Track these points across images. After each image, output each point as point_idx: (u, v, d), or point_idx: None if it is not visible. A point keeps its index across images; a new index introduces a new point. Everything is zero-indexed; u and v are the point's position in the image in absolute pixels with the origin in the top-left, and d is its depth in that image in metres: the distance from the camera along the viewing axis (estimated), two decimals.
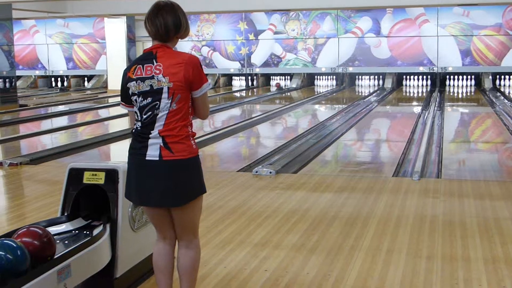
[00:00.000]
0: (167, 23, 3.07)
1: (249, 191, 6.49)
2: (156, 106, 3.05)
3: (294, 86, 22.89)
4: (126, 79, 3.16)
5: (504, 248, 4.53)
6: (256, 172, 7.28)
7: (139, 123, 3.11)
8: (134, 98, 3.12)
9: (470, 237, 4.80)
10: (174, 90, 3.04)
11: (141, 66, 3.10)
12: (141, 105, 3.09)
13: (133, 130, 3.15)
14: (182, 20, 3.13)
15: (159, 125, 3.05)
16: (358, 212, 5.60)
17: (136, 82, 3.09)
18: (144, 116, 3.08)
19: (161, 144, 3.05)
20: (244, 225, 5.22)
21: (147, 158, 3.07)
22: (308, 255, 4.44)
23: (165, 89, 3.03)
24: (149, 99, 3.06)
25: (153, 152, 3.06)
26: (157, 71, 3.05)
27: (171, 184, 3.07)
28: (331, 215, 5.50)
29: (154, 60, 3.08)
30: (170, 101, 3.03)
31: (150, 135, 3.06)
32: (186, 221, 3.20)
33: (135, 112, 3.14)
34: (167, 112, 3.04)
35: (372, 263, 4.26)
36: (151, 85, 3.05)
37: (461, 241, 4.69)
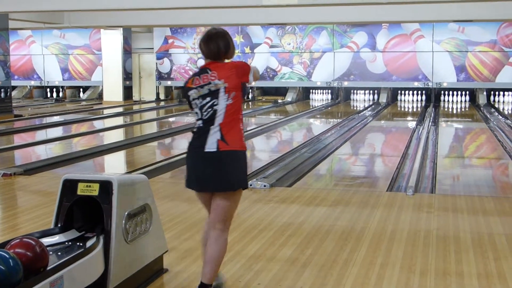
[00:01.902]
0: (219, 47, 3.75)
1: (244, 204, 6.48)
2: (215, 103, 3.67)
3: (289, 99, 22.93)
4: (186, 90, 3.80)
5: (498, 263, 4.53)
6: (251, 185, 7.28)
7: (201, 121, 3.70)
8: (194, 102, 3.74)
9: (464, 252, 4.80)
10: (230, 89, 3.68)
11: (198, 77, 3.74)
12: (201, 105, 3.71)
13: (194, 129, 3.75)
14: (230, 44, 3.82)
15: (219, 119, 3.66)
16: (352, 226, 5.59)
17: (196, 89, 3.73)
18: (205, 113, 3.69)
19: (219, 138, 3.64)
20: (238, 238, 5.22)
21: (206, 150, 3.66)
22: (302, 268, 4.44)
23: (221, 89, 3.68)
24: (208, 99, 3.69)
25: (211, 145, 3.65)
26: (213, 78, 3.70)
27: (224, 171, 3.67)
28: (325, 229, 5.50)
29: (208, 71, 3.73)
30: (226, 97, 3.67)
31: (211, 129, 3.66)
32: (223, 208, 3.75)
33: (196, 113, 3.74)
34: (225, 106, 3.67)
35: (365, 277, 4.25)
36: (209, 89, 3.69)
37: (454, 256, 4.70)
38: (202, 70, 3.77)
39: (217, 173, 3.67)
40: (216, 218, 3.76)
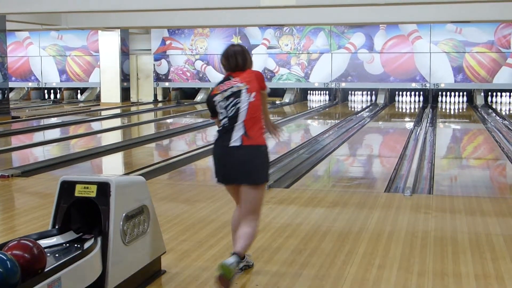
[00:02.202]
0: (238, 62, 4.24)
1: None
2: (238, 102, 4.11)
3: (287, 101, 22.93)
4: (211, 97, 4.24)
5: (495, 264, 4.54)
6: None
7: (226, 119, 4.13)
8: (219, 104, 4.17)
9: (461, 253, 4.81)
10: (251, 89, 4.14)
11: (221, 84, 4.24)
12: (225, 105, 4.14)
13: (220, 128, 4.18)
14: (248, 58, 4.29)
15: (242, 116, 4.09)
16: (350, 227, 5.60)
17: (220, 94, 4.18)
18: (230, 111, 4.12)
19: (242, 133, 4.07)
20: None
21: (230, 145, 4.07)
22: (300, 270, 4.44)
23: (243, 90, 4.13)
24: (231, 99, 4.13)
25: (235, 140, 4.07)
26: (235, 82, 4.18)
27: (248, 164, 4.08)
28: (323, 230, 5.50)
29: (230, 77, 4.23)
30: (248, 96, 4.11)
31: (235, 126, 4.08)
32: (251, 201, 4.15)
33: (221, 113, 4.16)
34: (247, 104, 4.10)
35: (363, 278, 4.26)
36: (232, 91, 4.15)
37: (452, 257, 4.70)
38: (225, 78, 4.27)
39: (242, 166, 4.08)
40: (247, 211, 4.18)
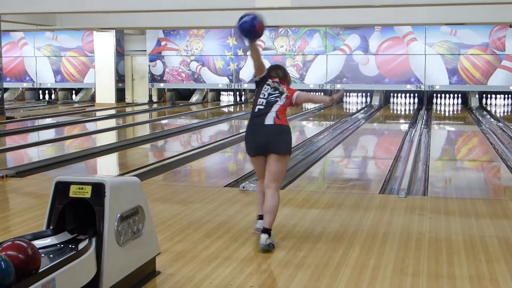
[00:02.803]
0: (279, 75, 5.44)
1: (236, 206, 6.49)
2: (278, 97, 5.29)
3: None
4: (268, 76, 5.38)
5: (490, 265, 4.55)
6: (243, 187, 7.28)
7: (264, 101, 5.26)
8: (267, 87, 5.34)
9: (456, 254, 4.82)
10: (288, 97, 5.33)
11: (276, 79, 5.40)
12: (269, 92, 5.30)
13: (256, 111, 5.24)
14: (286, 73, 5.55)
15: (276, 106, 5.25)
16: (344, 228, 5.60)
17: (273, 83, 5.35)
18: (271, 98, 5.27)
19: (275, 116, 5.18)
20: (230, 240, 5.21)
21: (265, 123, 5.15)
22: (295, 271, 4.44)
23: (284, 94, 5.32)
24: (276, 92, 5.31)
25: (269, 120, 5.16)
26: (284, 87, 5.39)
27: (278, 139, 5.14)
28: (318, 231, 5.50)
29: (281, 83, 5.39)
30: (284, 98, 5.31)
31: (270, 111, 5.20)
32: (277, 169, 5.13)
33: (263, 93, 5.30)
34: (282, 102, 5.28)
35: (358, 279, 4.26)
36: (279, 90, 5.33)
37: (446, 259, 4.71)
38: (280, 81, 5.45)
39: (273, 139, 5.12)
40: (270, 179, 5.13)
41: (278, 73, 5.47)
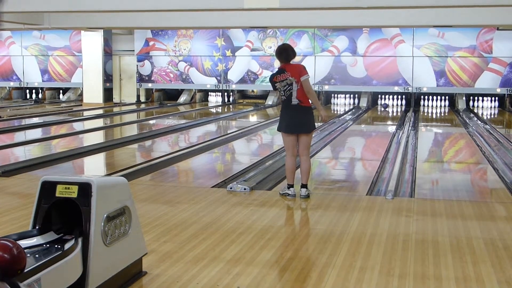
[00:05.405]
0: (288, 56, 6.79)
1: (223, 207, 6.48)
2: (291, 89, 6.71)
3: (270, 103, 22.94)
4: (273, 82, 6.84)
5: (476, 267, 4.57)
6: (231, 188, 7.28)
7: (284, 96, 6.76)
8: (279, 88, 6.79)
9: (442, 256, 4.84)
10: (298, 81, 6.67)
11: (279, 75, 6.77)
12: (283, 89, 6.75)
13: (284, 99, 6.78)
14: (291, 52, 6.82)
15: (295, 94, 6.70)
16: (331, 230, 5.61)
17: (279, 82, 6.76)
18: (286, 93, 6.74)
19: (298, 102, 6.68)
20: (217, 241, 5.21)
21: (292, 103, 6.72)
22: (281, 272, 4.44)
23: (294, 82, 6.67)
24: (287, 86, 6.70)
25: (295, 102, 6.71)
26: (288, 75, 6.71)
27: (303, 120, 6.76)
28: (305, 232, 5.51)
29: (284, 71, 6.74)
30: (296, 85, 6.68)
31: (292, 99, 6.71)
32: (307, 142, 6.84)
33: (281, 92, 6.77)
34: (296, 89, 6.70)
35: (345, 280, 4.27)
36: (287, 83, 6.70)
37: (433, 260, 4.72)
38: (280, 70, 6.78)
39: (301, 120, 6.75)
40: (304, 148, 6.83)
41: (281, 59, 6.76)
